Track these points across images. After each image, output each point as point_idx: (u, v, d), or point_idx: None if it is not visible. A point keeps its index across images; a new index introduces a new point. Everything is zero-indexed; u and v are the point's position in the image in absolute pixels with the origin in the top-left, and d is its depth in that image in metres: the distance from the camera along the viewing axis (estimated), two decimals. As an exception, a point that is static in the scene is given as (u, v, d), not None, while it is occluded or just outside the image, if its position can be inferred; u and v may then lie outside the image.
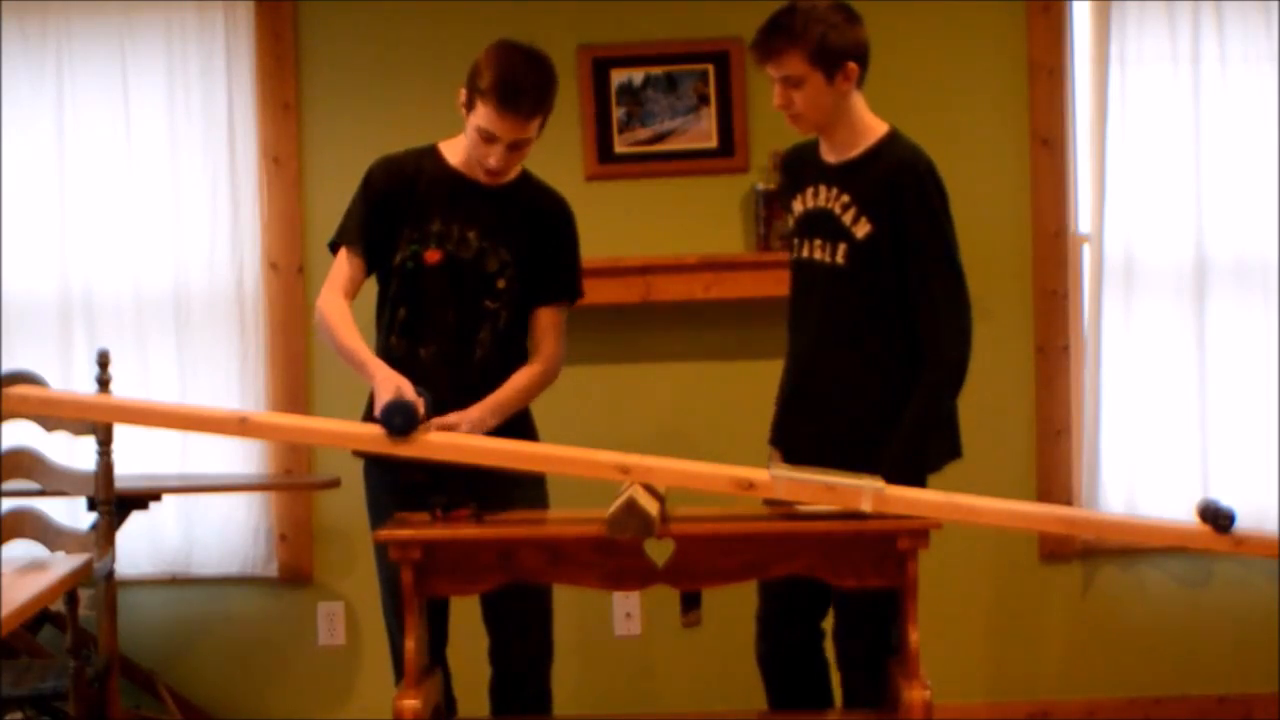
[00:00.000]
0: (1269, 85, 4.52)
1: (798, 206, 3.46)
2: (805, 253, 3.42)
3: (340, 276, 3.48)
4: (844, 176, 3.36)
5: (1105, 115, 4.55)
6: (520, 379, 3.46)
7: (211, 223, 4.66)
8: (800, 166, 3.49)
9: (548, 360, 3.52)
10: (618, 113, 4.64)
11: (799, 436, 3.42)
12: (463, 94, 3.39)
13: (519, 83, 3.31)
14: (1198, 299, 4.57)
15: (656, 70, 4.63)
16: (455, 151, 3.49)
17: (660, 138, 4.65)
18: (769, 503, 3.17)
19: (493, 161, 3.38)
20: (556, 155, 4.38)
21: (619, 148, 4.65)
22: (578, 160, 4.63)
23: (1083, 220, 4.66)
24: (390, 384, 3.19)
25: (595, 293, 4.24)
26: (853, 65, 3.31)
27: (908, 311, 3.31)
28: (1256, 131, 4.53)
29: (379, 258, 3.49)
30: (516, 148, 3.39)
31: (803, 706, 3.51)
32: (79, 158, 4.67)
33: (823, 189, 3.38)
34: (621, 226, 4.61)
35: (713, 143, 4.64)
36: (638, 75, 4.64)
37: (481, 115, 3.34)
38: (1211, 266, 4.57)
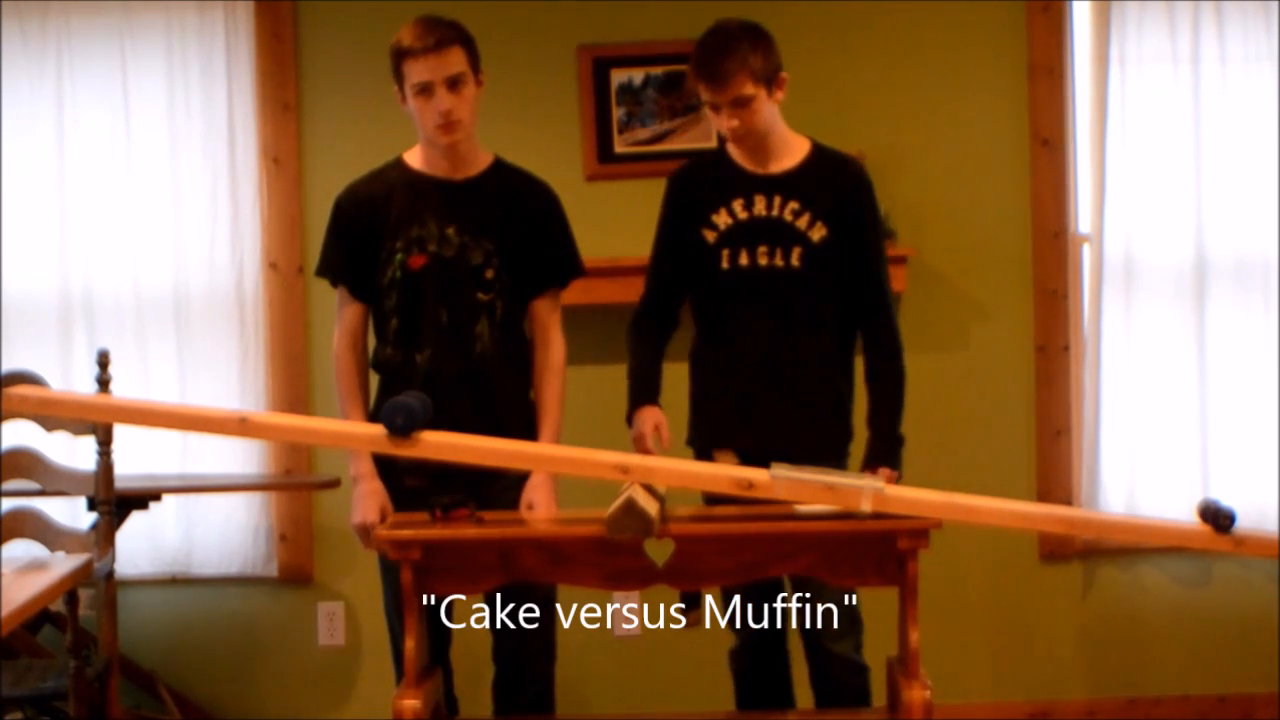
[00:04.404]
0: (1269, 85, 4.53)
1: (721, 220, 3.50)
2: (744, 260, 3.48)
3: (344, 317, 3.55)
4: (788, 184, 3.48)
5: (1105, 115, 4.55)
6: (552, 392, 3.54)
7: (211, 223, 4.66)
8: (713, 182, 3.55)
9: (557, 360, 3.55)
10: (618, 113, 4.64)
11: (771, 435, 3.47)
12: (396, 92, 3.42)
13: (424, 25, 3.37)
14: (1198, 299, 4.57)
15: (656, 70, 4.63)
16: (417, 157, 3.52)
17: (660, 138, 4.65)
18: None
19: (443, 107, 3.37)
20: (556, 155, 4.40)
21: (619, 148, 4.65)
22: (578, 160, 4.63)
23: (1083, 220, 4.66)
24: (371, 501, 3.45)
25: (595, 293, 4.26)
26: (784, 75, 3.46)
27: (852, 308, 3.51)
28: (1256, 131, 4.54)
29: (368, 283, 3.51)
30: (455, 87, 3.37)
31: (767, 704, 3.55)
32: (79, 157, 4.67)
33: (759, 198, 3.47)
34: (621, 226, 4.59)
35: (712, 143, 4.61)
36: (638, 75, 4.64)
37: (409, 76, 3.36)
38: (1211, 266, 4.57)
